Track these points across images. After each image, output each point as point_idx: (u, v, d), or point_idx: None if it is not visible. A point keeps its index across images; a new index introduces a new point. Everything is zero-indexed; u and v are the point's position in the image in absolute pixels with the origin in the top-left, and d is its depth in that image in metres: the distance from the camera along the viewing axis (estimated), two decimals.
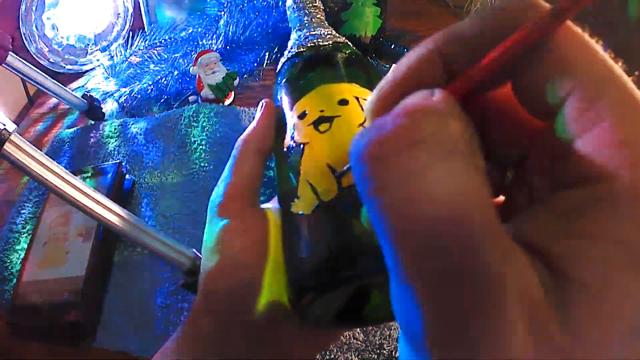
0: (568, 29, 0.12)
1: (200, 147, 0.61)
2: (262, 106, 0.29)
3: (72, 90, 0.68)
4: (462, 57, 0.13)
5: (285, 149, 0.25)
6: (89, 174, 0.57)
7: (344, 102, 0.25)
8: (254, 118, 0.29)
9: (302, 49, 0.31)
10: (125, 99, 0.72)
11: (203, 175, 0.58)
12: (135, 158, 0.63)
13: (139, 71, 0.74)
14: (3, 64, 0.55)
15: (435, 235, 0.11)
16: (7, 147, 0.36)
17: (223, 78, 0.67)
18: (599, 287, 0.10)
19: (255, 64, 0.75)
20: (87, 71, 0.81)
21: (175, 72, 0.71)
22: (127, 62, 0.76)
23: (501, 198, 0.16)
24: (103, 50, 0.82)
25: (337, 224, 0.21)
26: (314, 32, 0.32)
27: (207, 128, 0.63)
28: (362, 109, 0.25)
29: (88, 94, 0.69)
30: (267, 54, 0.74)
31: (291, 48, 0.32)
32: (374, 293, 0.23)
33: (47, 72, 0.63)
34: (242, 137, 0.28)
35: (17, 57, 0.57)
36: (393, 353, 0.43)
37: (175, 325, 0.46)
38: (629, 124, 0.11)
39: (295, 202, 0.22)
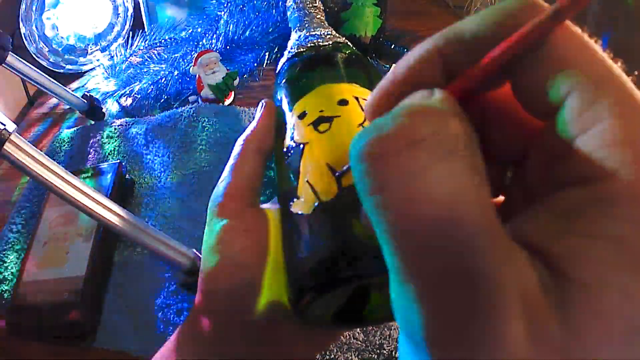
0: (567, 29, 0.12)
1: (200, 147, 0.61)
2: (262, 106, 0.29)
3: (72, 90, 0.68)
4: (462, 57, 0.13)
5: (285, 149, 0.25)
6: (89, 174, 0.57)
7: (343, 102, 0.25)
8: (254, 118, 0.29)
9: (302, 49, 0.31)
10: (125, 99, 0.72)
11: (203, 176, 0.58)
12: (135, 158, 0.63)
13: (139, 71, 0.73)
14: (3, 64, 0.55)
15: (435, 235, 0.11)
16: (7, 147, 0.36)
17: (223, 78, 0.67)
18: (598, 287, 0.10)
19: (255, 64, 0.75)
20: (87, 71, 0.81)
21: (175, 72, 0.71)
22: (127, 62, 0.76)
23: (501, 198, 0.16)
24: (103, 50, 0.82)
25: (336, 224, 0.21)
26: (314, 32, 0.32)
27: (207, 128, 0.63)
28: (362, 109, 0.25)
29: (88, 94, 0.69)
30: (267, 54, 0.75)
31: (291, 48, 0.32)
32: (374, 293, 0.23)
33: (47, 72, 0.63)
34: (242, 137, 0.28)
35: (17, 57, 0.57)
36: (393, 353, 0.43)
37: (175, 325, 0.46)
38: (628, 123, 0.11)
39: (295, 202, 0.22)
